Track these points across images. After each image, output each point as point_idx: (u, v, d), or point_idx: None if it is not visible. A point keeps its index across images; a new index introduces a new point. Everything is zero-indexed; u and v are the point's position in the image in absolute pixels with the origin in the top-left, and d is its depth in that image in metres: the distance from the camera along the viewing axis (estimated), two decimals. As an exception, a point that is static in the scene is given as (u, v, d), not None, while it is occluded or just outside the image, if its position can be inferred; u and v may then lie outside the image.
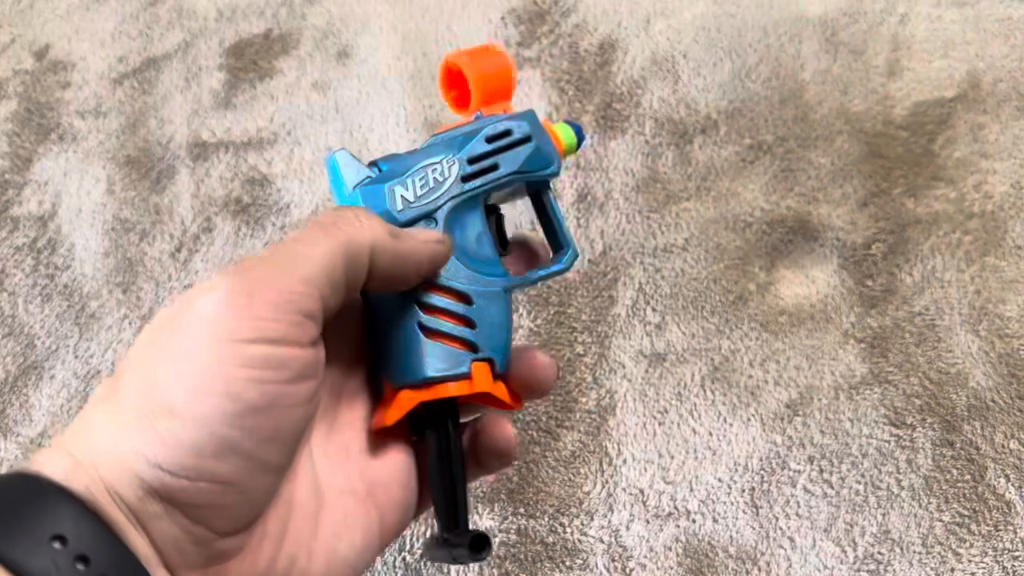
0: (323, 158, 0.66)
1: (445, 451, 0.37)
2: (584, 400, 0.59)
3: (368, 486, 0.35)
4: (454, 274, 0.40)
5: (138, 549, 0.27)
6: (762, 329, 0.59)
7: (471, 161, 0.42)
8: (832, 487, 0.55)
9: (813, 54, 0.66)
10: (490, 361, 0.39)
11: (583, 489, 0.57)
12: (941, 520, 0.53)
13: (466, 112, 0.44)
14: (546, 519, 0.56)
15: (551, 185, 0.46)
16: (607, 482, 0.57)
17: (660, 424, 0.58)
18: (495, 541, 0.56)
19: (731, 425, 0.57)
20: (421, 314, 0.39)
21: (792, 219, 0.62)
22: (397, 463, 0.37)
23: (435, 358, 0.38)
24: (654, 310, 0.61)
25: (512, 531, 0.56)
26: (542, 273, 0.45)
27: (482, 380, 0.38)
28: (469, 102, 0.43)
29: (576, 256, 0.46)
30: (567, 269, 0.45)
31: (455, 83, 0.44)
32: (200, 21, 0.75)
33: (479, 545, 0.36)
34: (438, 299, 0.39)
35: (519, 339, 0.61)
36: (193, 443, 0.27)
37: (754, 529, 0.54)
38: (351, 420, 0.37)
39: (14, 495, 0.26)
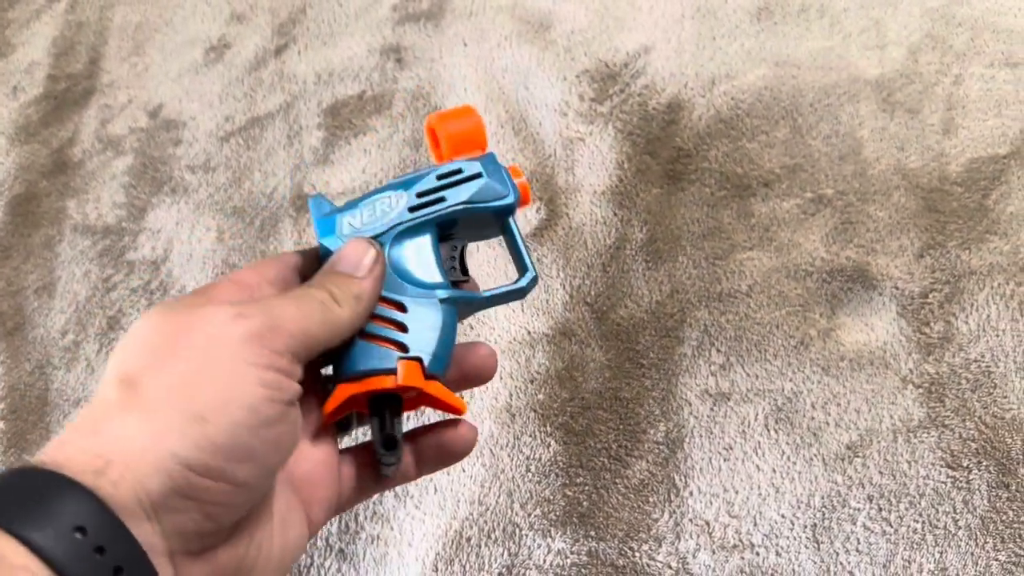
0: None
1: (383, 431, 0.44)
2: (652, 432, 0.63)
3: (298, 481, 0.41)
4: (391, 286, 0.47)
5: (149, 539, 0.31)
6: (823, 373, 0.63)
7: (420, 195, 0.49)
8: (891, 525, 0.58)
9: (871, 113, 0.70)
10: (419, 360, 0.45)
11: (652, 516, 0.61)
12: (997, 559, 0.56)
13: (443, 162, 0.51)
14: (616, 543, 0.60)
15: (513, 218, 0.52)
16: (674, 511, 0.61)
17: (725, 460, 0.62)
18: (567, 563, 0.60)
19: (794, 464, 0.61)
20: None
21: (851, 269, 0.65)
22: (321, 463, 0.43)
23: (365, 356, 0.44)
24: (719, 351, 0.65)
25: (583, 553, 0.60)
26: (501, 291, 0.51)
27: (409, 375, 0.44)
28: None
29: (534, 278, 0.51)
30: (526, 288, 0.51)
31: (435, 140, 0.52)
32: (300, 84, 0.82)
33: (390, 444, 0.43)
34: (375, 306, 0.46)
35: (591, 368, 0.65)
36: (222, 448, 0.33)
37: (815, 563, 0.58)
38: None
39: (42, 488, 0.30)
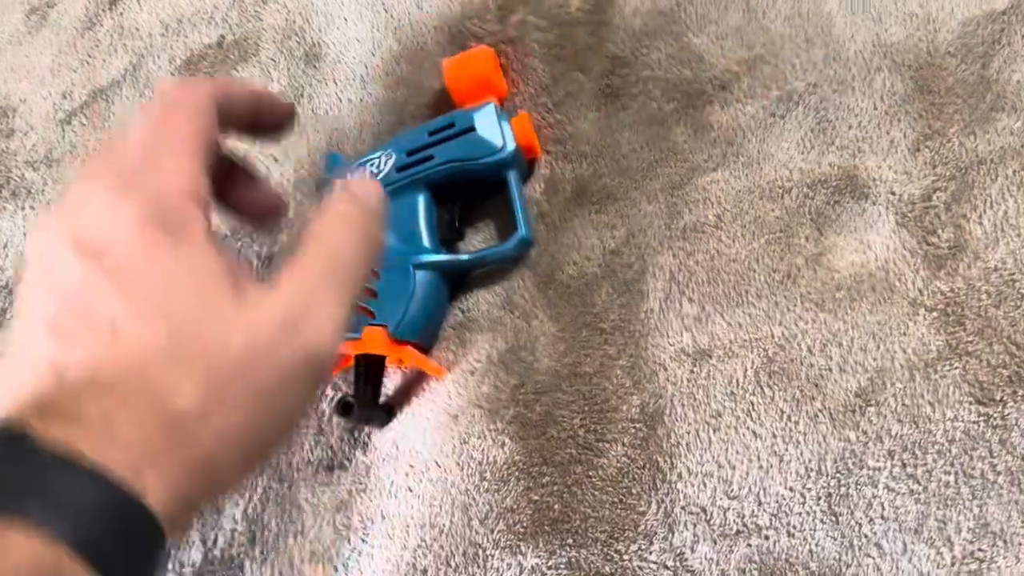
0: (321, 167, 0.61)
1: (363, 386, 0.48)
2: (625, 408, 0.53)
3: None
4: None
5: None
6: (818, 309, 0.52)
7: (409, 153, 0.49)
8: (918, 482, 0.49)
9: (837, -20, 0.57)
10: (385, 327, 0.47)
11: (637, 510, 0.51)
12: (1048, 506, 0.47)
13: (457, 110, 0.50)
14: (598, 547, 0.51)
15: (513, 173, 0.50)
16: (663, 500, 0.51)
17: (715, 430, 0.52)
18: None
19: (796, 424, 0.51)
20: None
21: (836, 177, 0.54)
22: None
23: None
24: (691, 300, 0.54)
25: (562, 566, 0.51)
26: (484, 253, 0.51)
27: (372, 342, 0.46)
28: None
29: (521, 240, 0.51)
30: (513, 249, 0.51)
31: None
32: (144, 39, 0.67)
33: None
34: None
35: (541, 344, 0.54)
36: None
37: (835, 540, 0.49)
38: None
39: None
